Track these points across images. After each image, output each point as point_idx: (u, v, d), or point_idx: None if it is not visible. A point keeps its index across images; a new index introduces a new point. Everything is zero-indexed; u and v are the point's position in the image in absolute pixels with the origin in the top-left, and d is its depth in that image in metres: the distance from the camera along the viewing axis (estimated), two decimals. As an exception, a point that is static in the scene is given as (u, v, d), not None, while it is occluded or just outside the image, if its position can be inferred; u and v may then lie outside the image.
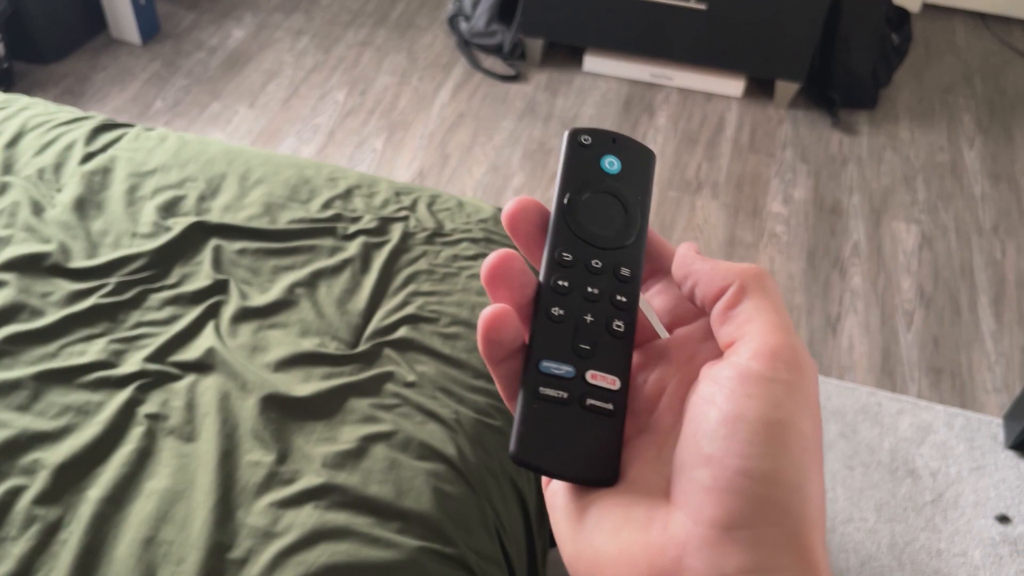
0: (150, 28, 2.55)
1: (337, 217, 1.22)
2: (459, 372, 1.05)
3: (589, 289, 0.31)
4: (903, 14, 2.53)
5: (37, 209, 1.18)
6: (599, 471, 0.29)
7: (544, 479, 0.31)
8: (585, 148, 0.33)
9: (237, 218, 1.20)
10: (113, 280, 1.10)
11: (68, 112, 1.36)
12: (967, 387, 1.76)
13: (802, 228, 2.10)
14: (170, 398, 0.99)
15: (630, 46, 2.47)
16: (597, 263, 0.31)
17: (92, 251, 1.14)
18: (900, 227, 2.13)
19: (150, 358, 1.02)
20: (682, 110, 2.44)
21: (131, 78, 2.42)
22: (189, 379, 1.01)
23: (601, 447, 0.29)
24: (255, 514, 0.89)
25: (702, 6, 2.31)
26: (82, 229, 1.16)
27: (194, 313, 1.08)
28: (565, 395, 0.29)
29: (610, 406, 0.30)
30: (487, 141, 2.30)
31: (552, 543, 1.24)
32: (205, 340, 1.05)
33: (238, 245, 1.17)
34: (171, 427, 0.96)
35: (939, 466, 1.61)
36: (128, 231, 1.17)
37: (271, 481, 0.92)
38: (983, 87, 2.61)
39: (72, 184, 1.22)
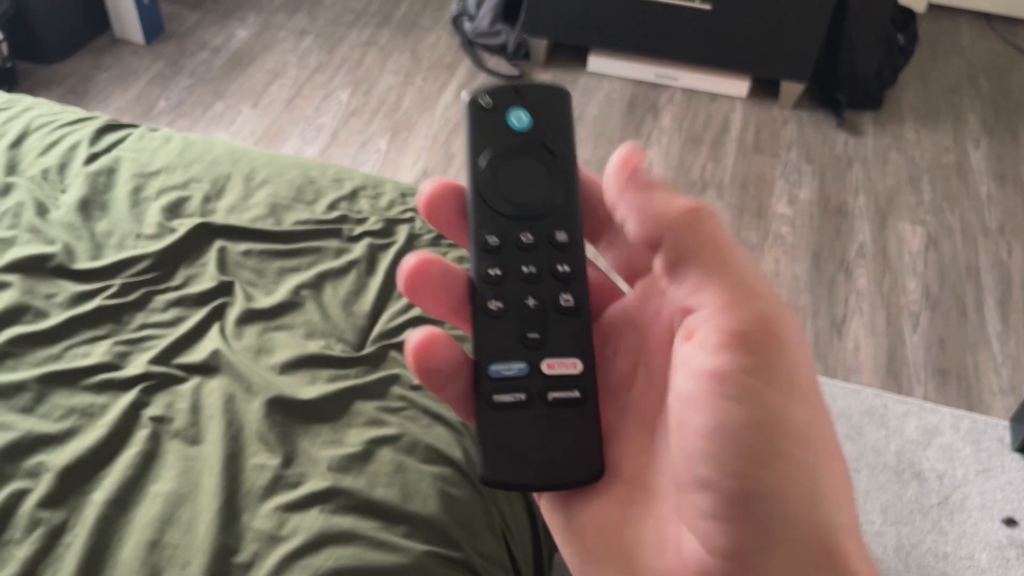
0: (154, 28, 2.54)
1: (343, 218, 1.22)
2: (465, 375, 1.05)
3: (524, 269, 0.27)
4: (908, 14, 2.53)
5: (41, 210, 1.18)
6: (582, 470, 0.26)
7: (536, 496, 0.28)
8: (487, 111, 0.29)
9: (242, 219, 1.20)
10: (118, 282, 1.10)
11: (72, 112, 1.36)
12: (973, 389, 1.75)
13: (807, 229, 2.10)
14: (175, 400, 0.98)
15: (634, 46, 2.46)
16: (527, 236, 0.27)
17: (96, 252, 1.13)
18: (906, 228, 2.12)
19: (155, 360, 1.02)
20: (686, 111, 2.44)
21: (134, 78, 2.41)
22: (194, 381, 1.00)
23: (578, 442, 0.26)
24: (261, 518, 0.89)
25: (707, 6, 2.30)
26: (86, 230, 1.16)
27: (199, 315, 1.07)
28: (523, 396, 0.26)
29: (576, 394, 0.26)
30: (491, 141, 2.29)
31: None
32: (210, 342, 1.04)
33: (243, 246, 1.16)
34: (176, 430, 0.96)
35: (945, 469, 1.60)
36: (132, 232, 1.17)
37: (277, 484, 0.92)
38: (989, 87, 2.60)
39: (76, 185, 1.21)
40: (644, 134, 2.35)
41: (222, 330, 1.06)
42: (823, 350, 1.81)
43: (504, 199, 0.28)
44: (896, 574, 1.45)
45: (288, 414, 0.98)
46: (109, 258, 1.12)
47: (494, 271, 0.27)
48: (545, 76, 2.52)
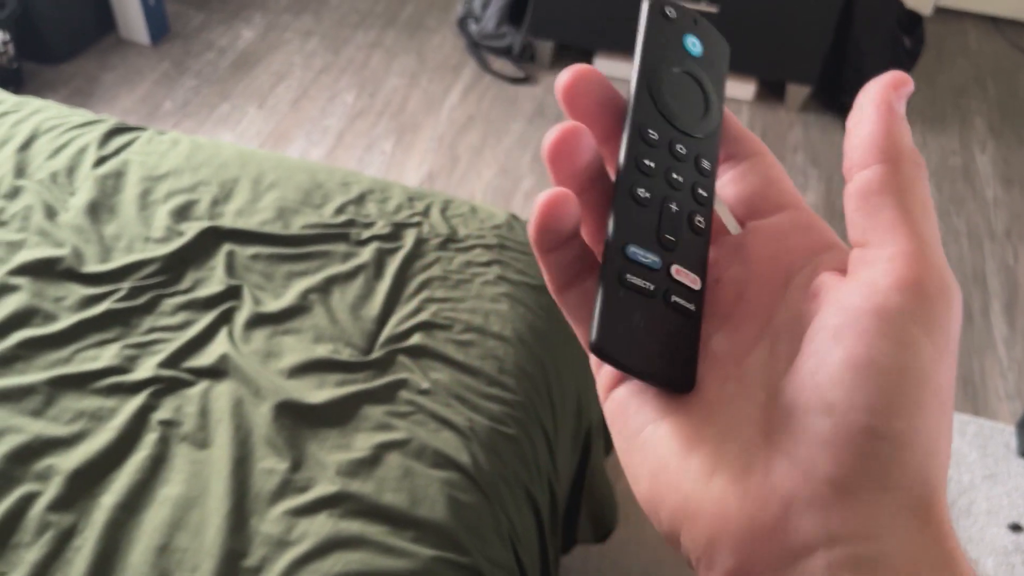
0: (159, 28, 2.55)
1: (350, 222, 1.22)
2: (473, 379, 1.05)
3: (675, 175, 0.28)
4: (915, 17, 2.52)
5: (50, 213, 1.18)
6: (679, 375, 0.26)
7: (604, 391, 0.28)
8: (668, 21, 0.30)
9: (250, 223, 1.20)
10: (126, 285, 1.10)
11: (81, 115, 1.36)
12: (980, 394, 1.75)
13: (813, 232, 2.09)
14: (183, 404, 0.99)
15: (640, 48, 2.46)
16: (682, 148, 0.29)
17: (105, 255, 1.14)
18: (912, 232, 2.11)
19: (163, 364, 1.02)
20: (692, 113, 2.44)
21: (140, 78, 2.42)
22: (202, 385, 1.00)
23: (681, 349, 0.27)
24: (269, 522, 0.89)
25: (713, 8, 2.30)
26: (95, 233, 1.16)
27: (207, 319, 1.07)
28: (652, 287, 0.27)
29: (692, 306, 0.27)
30: (497, 143, 2.29)
31: (565, 550, 1.24)
32: (218, 346, 1.04)
33: (251, 250, 1.17)
34: (184, 433, 0.96)
35: (951, 474, 1.60)
36: (141, 235, 1.17)
37: (285, 489, 0.92)
38: (995, 91, 2.60)
39: (85, 188, 1.22)
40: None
41: (230, 334, 1.06)
42: (829, 354, 1.81)
43: (668, 105, 0.29)
44: (902, 579, 1.45)
45: (296, 418, 0.98)
46: (118, 261, 1.12)
47: (648, 162, 0.28)
48: (550, 78, 2.52)
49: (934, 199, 2.20)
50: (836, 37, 2.34)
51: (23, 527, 0.86)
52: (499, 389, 1.05)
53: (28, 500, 0.88)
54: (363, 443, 0.96)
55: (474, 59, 2.57)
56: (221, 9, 2.72)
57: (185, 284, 1.12)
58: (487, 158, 2.25)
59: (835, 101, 2.45)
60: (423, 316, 1.10)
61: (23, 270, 1.09)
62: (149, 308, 1.08)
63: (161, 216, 1.19)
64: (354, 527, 0.89)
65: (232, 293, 1.11)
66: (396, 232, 1.22)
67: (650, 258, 0.27)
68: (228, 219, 1.20)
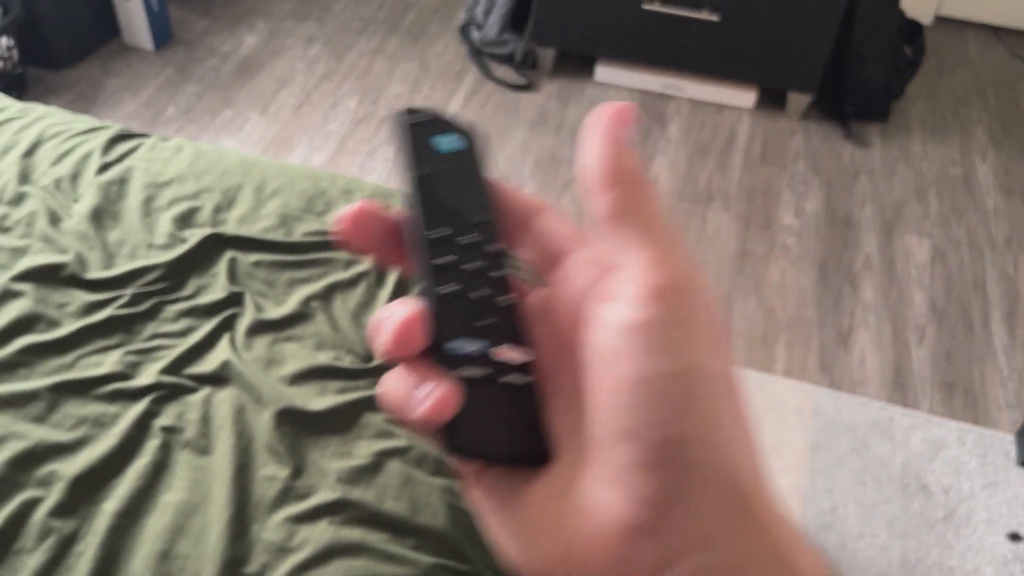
0: (163, 34, 2.56)
1: (352, 229, 1.22)
2: (474, 387, 1.05)
3: (469, 266, 0.30)
4: (916, 27, 2.53)
5: (54, 219, 1.18)
6: (533, 448, 0.28)
7: (466, 484, 0.29)
8: (419, 127, 0.32)
9: (253, 230, 1.21)
10: (129, 291, 1.10)
11: (85, 122, 1.37)
12: (980, 403, 1.75)
13: (813, 241, 2.10)
14: (185, 411, 0.99)
15: (642, 56, 2.47)
16: (465, 239, 0.30)
17: (108, 262, 1.14)
18: (912, 241, 2.12)
19: (166, 370, 1.02)
20: (693, 121, 2.44)
21: (143, 84, 2.43)
22: (204, 392, 1.01)
23: (527, 423, 0.28)
24: (270, 529, 0.89)
25: (715, 17, 2.31)
26: (98, 240, 1.17)
27: (209, 325, 1.08)
28: (481, 374, 0.28)
29: (524, 379, 0.28)
30: (498, 151, 2.30)
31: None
32: (220, 353, 1.05)
33: (254, 257, 1.17)
34: (186, 440, 0.96)
35: (951, 482, 1.60)
36: (144, 242, 1.17)
37: (286, 496, 0.92)
38: (996, 100, 2.60)
39: (89, 194, 1.22)
40: (651, 144, 2.36)
41: (232, 341, 1.07)
42: (829, 362, 1.81)
43: (445, 202, 0.31)
44: (901, 588, 1.45)
45: (298, 425, 0.98)
46: (121, 268, 1.13)
47: (442, 261, 0.29)
48: (552, 86, 2.53)
49: (936, 208, 2.20)
50: (837, 45, 2.35)
51: (25, 533, 0.87)
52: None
53: (30, 506, 0.89)
54: (364, 450, 0.97)
55: (476, 66, 2.58)
56: (224, 15, 2.73)
57: (187, 291, 1.12)
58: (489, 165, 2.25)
59: (836, 109, 2.45)
60: (424, 324, 1.11)
61: (27, 276, 1.10)
62: (151, 315, 1.09)
63: (164, 223, 1.20)
64: (355, 534, 0.89)
65: (234, 300, 1.11)
66: (398, 240, 1.22)
67: (472, 347, 0.28)
68: (231, 226, 1.21)
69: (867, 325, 1.90)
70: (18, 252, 1.13)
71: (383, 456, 0.96)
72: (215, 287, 1.13)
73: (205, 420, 0.98)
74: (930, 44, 2.74)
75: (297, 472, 0.94)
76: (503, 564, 0.27)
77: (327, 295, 1.13)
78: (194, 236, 1.18)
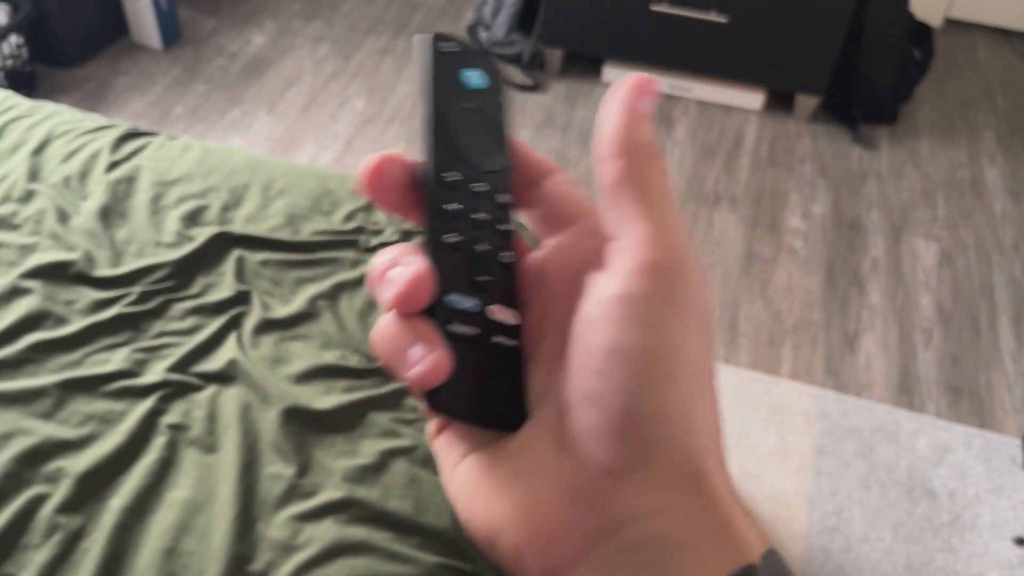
0: (171, 33, 2.56)
1: (359, 229, 1.23)
2: (479, 387, 1.05)
3: (476, 216, 0.28)
4: (925, 29, 2.53)
5: (63, 217, 1.19)
6: (511, 414, 0.27)
7: (431, 431, 0.29)
8: (444, 56, 0.30)
9: (260, 229, 1.21)
10: (137, 289, 1.11)
11: (94, 120, 1.37)
12: (986, 407, 1.75)
13: (820, 243, 2.10)
14: (192, 408, 0.99)
15: (650, 57, 2.47)
16: (477, 186, 0.29)
17: (116, 260, 1.15)
18: (919, 244, 2.12)
19: (172, 368, 1.03)
20: (701, 122, 2.44)
21: (152, 83, 2.43)
22: (211, 390, 1.01)
23: (510, 388, 0.27)
24: (275, 527, 0.90)
25: (723, 19, 2.30)
26: (107, 238, 1.17)
27: (216, 324, 1.08)
28: (474, 332, 0.27)
29: (513, 343, 0.28)
30: (505, 151, 2.30)
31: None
32: (227, 351, 1.05)
33: (261, 256, 1.17)
34: (192, 438, 0.97)
35: (957, 487, 1.60)
36: (152, 240, 1.18)
37: (291, 494, 0.92)
38: (1005, 104, 2.60)
39: (97, 192, 1.23)
40: (658, 146, 2.36)
41: (239, 339, 1.07)
42: (835, 365, 1.81)
43: (460, 145, 0.29)
44: (906, 592, 1.45)
45: (303, 424, 0.98)
46: (128, 266, 1.13)
47: (450, 207, 0.28)
48: (559, 86, 2.53)
49: (943, 211, 2.19)
50: (845, 48, 2.35)
51: (32, 528, 0.87)
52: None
53: (37, 502, 0.89)
54: (369, 449, 0.97)
55: (484, 67, 2.58)
56: (232, 15, 2.74)
57: (195, 289, 1.13)
58: (495, 165, 2.25)
59: (844, 112, 2.45)
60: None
61: (35, 273, 1.10)
62: (159, 312, 1.09)
63: (172, 221, 1.20)
64: (359, 533, 0.89)
65: (241, 298, 1.12)
66: (405, 239, 1.22)
67: (469, 303, 0.27)
68: (238, 225, 1.21)
69: (873, 328, 1.89)
70: (27, 249, 1.14)
71: (388, 455, 0.96)
72: (222, 285, 1.13)
73: (211, 418, 0.99)
74: (939, 46, 2.74)
75: (303, 471, 0.94)
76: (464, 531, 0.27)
77: (333, 294, 1.14)
78: (201, 235, 1.18)
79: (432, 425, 0.29)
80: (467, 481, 0.27)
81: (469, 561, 0.90)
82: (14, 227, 1.17)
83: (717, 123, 2.44)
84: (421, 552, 0.89)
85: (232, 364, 1.04)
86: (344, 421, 0.99)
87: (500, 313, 0.28)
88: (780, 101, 2.51)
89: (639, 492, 0.24)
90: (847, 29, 2.28)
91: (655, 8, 2.33)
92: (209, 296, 1.12)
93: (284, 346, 1.07)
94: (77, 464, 0.92)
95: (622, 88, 0.27)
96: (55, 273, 1.11)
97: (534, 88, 2.52)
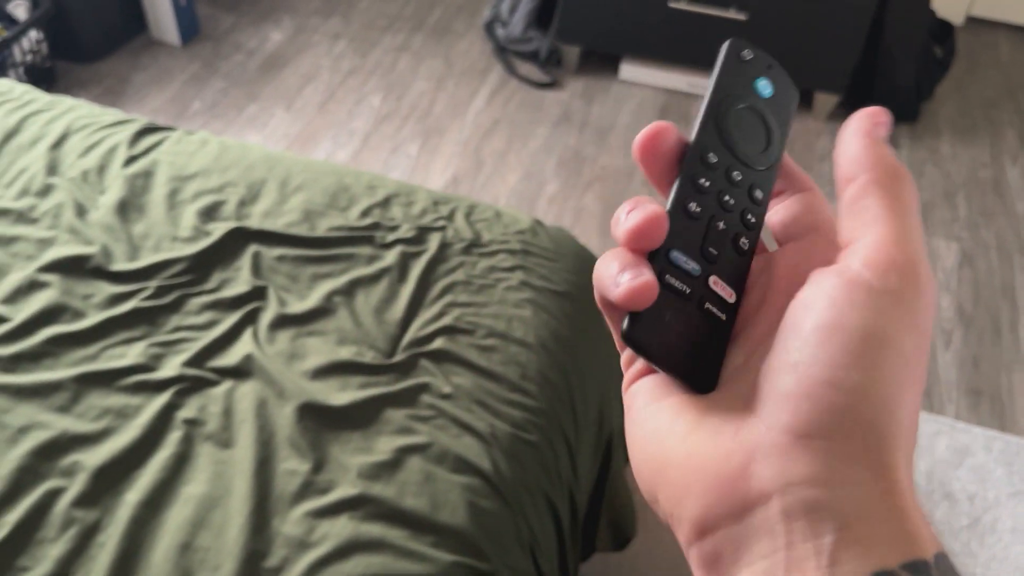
0: (190, 29, 2.57)
1: (375, 226, 1.22)
2: (495, 385, 1.05)
3: (726, 197, 0.31)
4: (947, 27, 2.50)
5: (81, 211, 1.19)
6: (701, 376, 0.28)
7: (629, 378, 0.30)
8: (743, 63, 0.33)
9: (276, 224, 1.21)
10: (153, 284, 1.11)
11: (112, 115, 1.37)
12: (1007, 410, 1.72)
13: (839, 243, 2.07)
14: (208, 403, 0.99)
15: (668, 55, 2.46)
16: (737, 175, 0.31)
17: (133, 254, 1.15)
18: (940, 244, 2.09)
19: (188, 363, 1.03)
20: (719, 120, 2.42)
21: (170, 79, 2.44)
22: (227, 385, 1.01)
23: (707, 353, 0.29)
24: (290, 523, 0.89)
25: (742, 16, 2.29)
26: (124, 232, 1.17)
27: (233, 319, 1.08)
28: (688, 290, 0.29)
29: (723, 316, 0.29)
30: (522, 148, 2.29)
31: (583, 557, 1.23)
32: (243, 346, 1.05)
33: (277, 251, 1.17)
34: (208, 433, 0.97)
35: (977, 490, 1.58)
36: (169, 235, 1.18)
37: (307, 490, 0.92)
38: (1027, 102, 2.56)
39: (115, 187, 1.23)
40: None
41: (255, 334, 1.07)
42: (853, 366, 1.79)
43: (731, 135, 0.32)
44: (924, 596, 1.43)
45: (319, 420, 0.98)
46: (145, 260, 1.14)
47: (703, 181, 0.30)
48: (577, 84, 2.52)
49: (964, 211, 2.17)
50: (867, 46, 2.32)
51: (48, 522, 0.87)
52: (521, 395, 1.05)
53: (53, 495, 0.89)
54: (385, 446, 0.96)
55: (500, 64, 2.58)
56: (251, 11, 2.74)
57: (211, 284, 1.12)
58: (512, 163, 2.25)
59: (864, 111, 2.42)
60: (446, 320, 1.10)
61: (53, 267, 1.10)
62: (175, 307, 1.09)
63: (189, 216, 1.20)
64: (374, 530, 0.89)
65: (257, 294, 1.12)
66: (420, 236, 1.22)
67: (691, 265, 0.29)
68: (255, 220, 1.21)
69: (893, 329, 1.87)
70: (45, 243, 1.14)
71: (404, 452, 0.96)
72: (239, 281, 1.13)
73: (227, 413, 0.98)
74: (961, 45, 2.70)
75: (318, 467, 0.94)
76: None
77: (349, 290, 1.13)
78: (218, 230, 1.18)
79: (631, 373, 0.30)
80: (650, 426, 0.28)
81: (484, 560, 0.89)
82: (32, 221, 1.17)
83: (735, 121, 2.42)
84: (436, 550, 0.88)
85: (248, 359, 1.03)
86: (359, 417, 0.99)
87: (719, 286, 0.29)
88: (799, 99, 2.48)
89: (820, 460, 0.23)
90: (868, 27, 2.25)
91: (673, 5, 2.31)
92: (225, 291, 1.12)
93: (300, 342, 1.07)
94: (93, 458, 0.92)
95: (856, 119, 0.29)
96: (73, 267, 1.11)
97: (551, 85, 2.51)
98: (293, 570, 0.86)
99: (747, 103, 0.32)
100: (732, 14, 2.29)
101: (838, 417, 0.24)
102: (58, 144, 1.29)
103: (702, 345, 0.29)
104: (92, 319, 1.06)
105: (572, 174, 2.22)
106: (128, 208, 1.21)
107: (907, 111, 2.42)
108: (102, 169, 1.27)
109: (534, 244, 1.24)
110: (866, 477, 0.23)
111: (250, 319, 1.09)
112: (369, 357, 1.06)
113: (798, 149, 2.34)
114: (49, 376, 0.99)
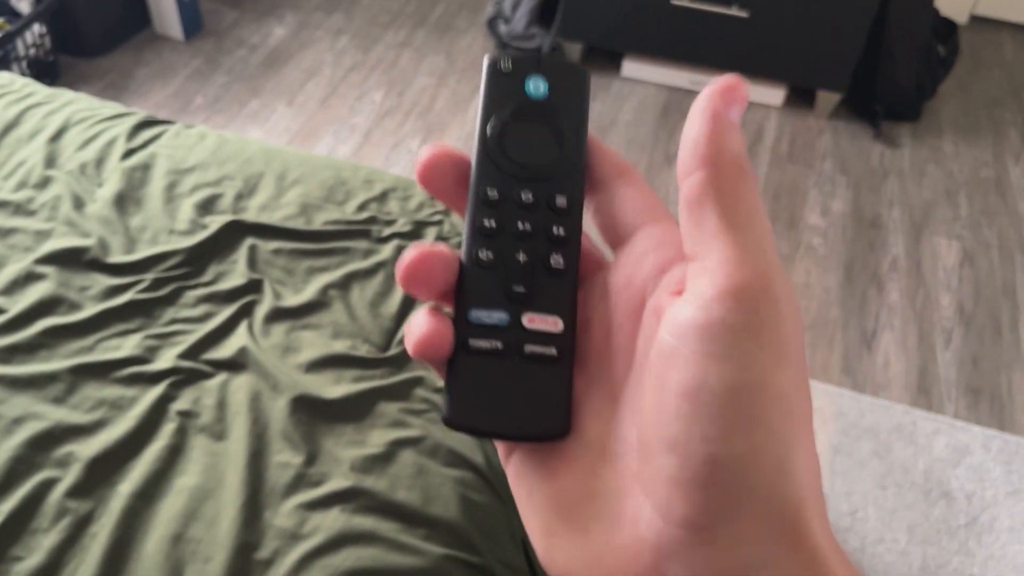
0: (193, 25, 2.58)
1: (372, 220, 1.23)
2: (489, 379, 1.05)
3: (520, 227, 0.28)
4: (950, 26, 2.49)
5: (78, 203, 1.20)
6: (549, 425, 0.26)
7: (503, 459, 0.28)
8: (505, 76, 0.30)
9: (273, 218, 1.21)
10: (150, 276, 1.11)
11: (111, 108, 1.38)
12: (1006, 409, 1.72)
13: (840, 241, 2.07)
14: (202, 396, 0.99)
15: (669, 52, 2.45)
16: (528, 196, 0.28)
17: (130, 247, 1.15)
18: (941, 243, 2.09)
19: (183, 355, 1.03)
20: (720, 118, 2.42)
21: (173, 74, 2.45)
22: (221, 377, 1.01)
23: (548, 398, 0.26)
24: (282, 515, 0.90)
25: (744, 13, 2.28)
26: (121, 224, 1.18)
27: (228, 311, 1.08)
28: (500, 345, 0.27)
29: (553, 351, 0.27)
30: (523, 145, 2.29)
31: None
32: (238, 339, 1.05)
33: (273, 245, 1.18)
34: (202, 425, 0.97)
35: (975, 489, 1.57)
36: (166, 228, 1.18)
37: (299, 483, 0.92)
38: (1031, 102, 2.56)
39: (113, 180, 1.23)
40: (677, 141, 2.34)
41: (250, 327, 1.07)
42: (852, 364, 1.79)
43: (510, 158, 0.29)
44: (921, 594, 1.43)
45: (312, 413, 0.98)
46: (142, 253, 1.14)
47: (489, 223, 0.28)
48: (579, 80, 2.52)
49: (966, 210, 2.16)
50: (869, 44, 2.32)
51: (41, 512, 0.88)
52: (515, 390, 1.05)
53: (47, 486, 0.90)
54: (378, 439, 0.97)
55: (503, 60, 2.58)
56: (254, 7, 2.74)
57: (207, 277, 1.13)
58: (513, 159, 2.24)
59: (866, 109, 2.42)
60: (441, 315, 1.10)
61: (50, 259, 1.11)
62: (171, 300, 1.09)
63: (186, 209, 1.21)
64: (366, 523, 0.89)
65: (253, 287, 1.12)
66: (417, 230, 1.22)
67: (496, 316, 0.27)
68: (251, 213, 1.21)
69: (892, 327, 1.87)
70: (42, 235, 1.14)
71: (396, 445, 0.96)
72: (234, 274, 1.13)
73: (221, 405, 0.99)
74: (964, 44, 2.70)
75: (311, 459, 0.94)
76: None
77: (345, 284, 1.14)
78: (215, 223, 1.18)
79: (500, 448, 0.28)
80: (542, 518, 0.26)
81: (476, 554, 0.89)
82: (30, 213, 1.18)
83: (737, 119, 2.42)
84: (428, 543, 0.88)
85: (243, 352, 1.04)
86: (353, 411, 0.99)
87: (536, 321, 0.27)
88: (801, 97, 2.48)
89: (729, 548, 0.22)
90: (870, 25, 2.25)
91: (675, 2, 2.31)
92: (221, 284, 1.12)
93: (295, 335, 1.07)
94: (87, 449, 0.93)
95: (708, 93, 0.25)
96: (69, 259, 1.11)
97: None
98: (284, 562, 0.86)
99: (520, 114, 0.29)
100: (734, 11, 2.28)
101: (733, 500, 0.21)
102: (57, 137, 1.30)
103: (539, 392, 0.26)
104: (88, 311, 1.06)
105: (573, 171, 2.22)
106: (126, 201, 1.21)
107: (909, 110, 2.42)
108: (100, 162, 1.27)
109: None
110: (781, 555, 0.22)
111: (245, 312, 1.09)
112: (363, 351, 1.06)
113: (799, 147, 2.34)
114: (45, 367, 1.00)
